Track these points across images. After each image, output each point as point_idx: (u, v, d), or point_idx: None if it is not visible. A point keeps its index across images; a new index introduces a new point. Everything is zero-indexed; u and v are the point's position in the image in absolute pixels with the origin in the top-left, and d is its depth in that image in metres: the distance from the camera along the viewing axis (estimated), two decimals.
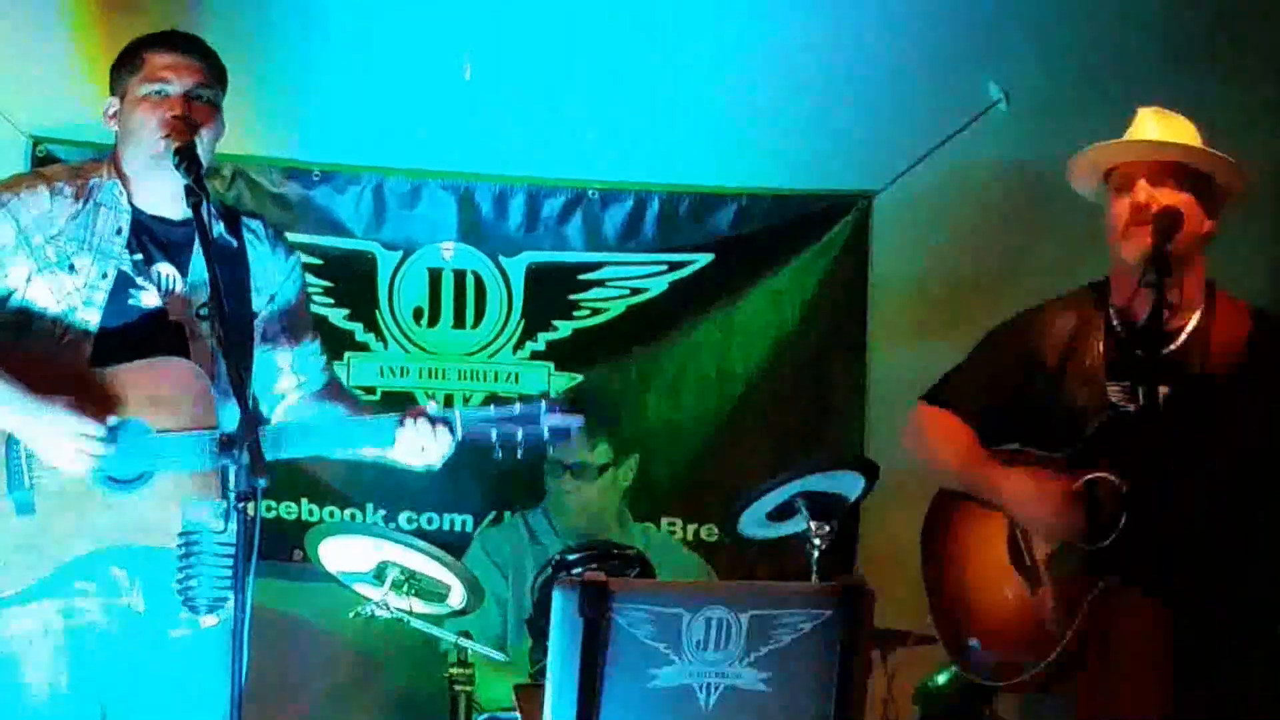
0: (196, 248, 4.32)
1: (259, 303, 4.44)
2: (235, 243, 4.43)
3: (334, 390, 4.59)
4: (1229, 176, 4.74)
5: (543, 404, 4.25)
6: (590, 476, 5.87)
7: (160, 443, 4.14)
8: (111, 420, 4.11)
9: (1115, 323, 4.82)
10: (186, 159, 4.21)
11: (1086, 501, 4.69)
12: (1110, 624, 4.57)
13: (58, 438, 4.09)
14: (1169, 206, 4.68)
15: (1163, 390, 4.61)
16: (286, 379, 4.51)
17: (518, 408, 4.24)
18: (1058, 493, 4.70)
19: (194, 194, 4.15)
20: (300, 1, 6.12)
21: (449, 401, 6.11)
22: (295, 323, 4.53)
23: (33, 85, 5.94)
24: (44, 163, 5.87)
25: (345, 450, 4.36)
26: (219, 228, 4.38)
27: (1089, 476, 4.70)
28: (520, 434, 4.23)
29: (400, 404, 5.90)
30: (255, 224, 4.52)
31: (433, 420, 4.21)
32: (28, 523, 4.14)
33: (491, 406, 4.27)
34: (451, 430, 4.23)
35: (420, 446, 4.22)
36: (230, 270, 4.34)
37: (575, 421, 4.28)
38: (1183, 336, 4.75)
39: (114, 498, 4.15)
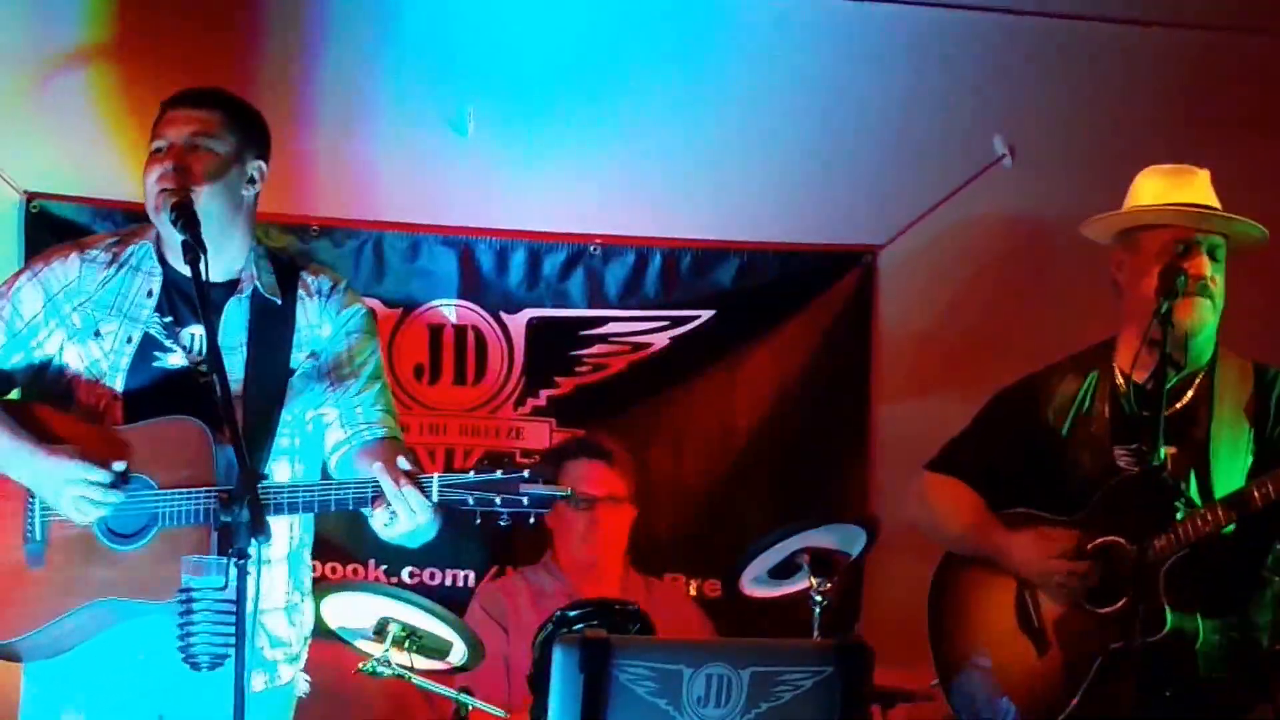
0: (234, 310, 4.37)
1: (297, 359, 4.43)
2: (279, 301, 4.43)
3: (378, 450, 4.44)
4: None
5: (525, 473, 4.13)
6: (585, 506, 5.87)
7: (159, 498, 4.19)
8: (118, 465, 4.17)
9: (1121, 385, 4.81)
10: (183, 215, 4.22)
11: (1098, 563, 4.70)
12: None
13: (61, 485, 4.17)
14: (1167, 266, 4.69)
15: (1170, 451, 4.61)
16: (335, 432, 4.49)
17: (500, 474, 4.14)
18: (1065, 550, 4.70)
19: (190, 250, 4.15)
20: (298, 56, 6.13)
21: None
22: (343, 376, 4.50)
23: (27, 140, 5.94)
24: (38, 219, 5.92)
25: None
26: (258, 285, 4.40)
27: (1100, 541, 4.70)
28: (498, 501, 4.13)
29: None
30: (314, 280, 4.52)
31: (402, 476, 4.12)
32: (36, 574, 4.24)
33: (471, 472, 4.17)
34: (426, 493, 4.14)
35: (390, 516, 4.15)
36: (271, 329, 4.38)
37: (559, 492, 4.19)
38: (1188, 395, 4.74)
39: (113, 552, 4.21)
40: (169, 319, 4.38)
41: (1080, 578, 4.70)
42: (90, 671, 4.30)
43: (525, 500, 4.12)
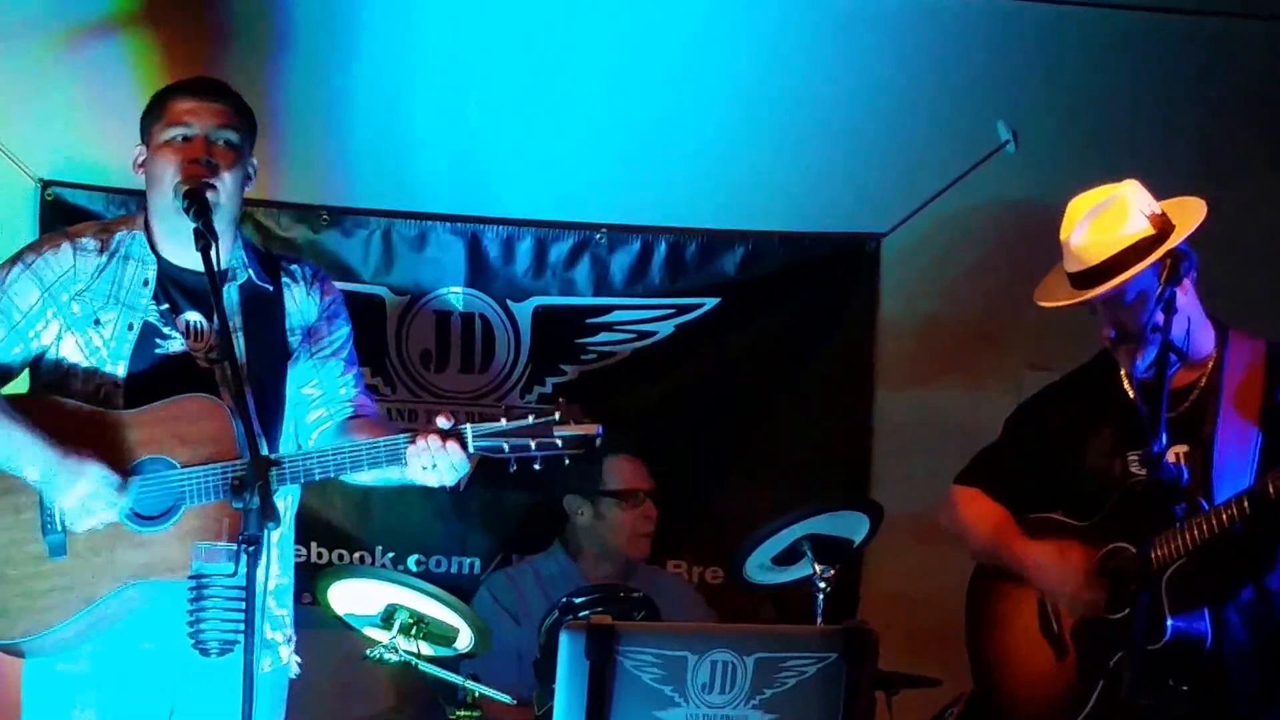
0: (227, 296, 4.40)
1: (293, 343, 4.50)
2: (271, 288, 4.50)
3: (362, 424, 4.58)
4: (1183, 232, 4.66)
5: (556, 414, 4.24)
6: (637, 501, 5.92)
7: (183, 477, 4.22)
8: (132, 481, 4.20)
9: (1128, 388, 4.81)
10: (195, 202, 4.26)
11: (1108, 575, 4.71)
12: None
13: (73, 486, 4.18)
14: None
15: (1182, 450, 4.60)
16: (316, 410, 4.57)
17: (531, 419, 4.24)
18: (1080, 569, 4.72)
19: (202, 238, 4.19)
20: (310, 47, 6.15)
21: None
22: (326, 358, 4.59)
23: (42, 129, 5.96)
24: (53, 207, 5.92)
25: (369, 472, 4.36)
26: (251, 273, 4.45)
27: (1109, 548, 4.72)
28: (533, 445, 4.23)
29: None
30: (296, 267, 4.60)
31: (443, 435, 4.22)
32: (60, 564, 4.24)
33: (503, 420, 4.26)
34: (463, 444, 4.23)
35: (431, 463, 4.23)
36: (264, 313, 4.44)
37: (590, 432, 4.26)
38: (1195, 393, 4.72)
39: (141, 535, 4.24)
40: (165, 307, 4.40)
41: (1088, 595, 4.73)
42: (98, 667, 4.31)
43: (559, 442, 4.23)
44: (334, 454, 4.30)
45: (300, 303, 4.55)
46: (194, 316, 4.42)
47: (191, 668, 4.25)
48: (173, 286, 4.42)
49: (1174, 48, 6.49)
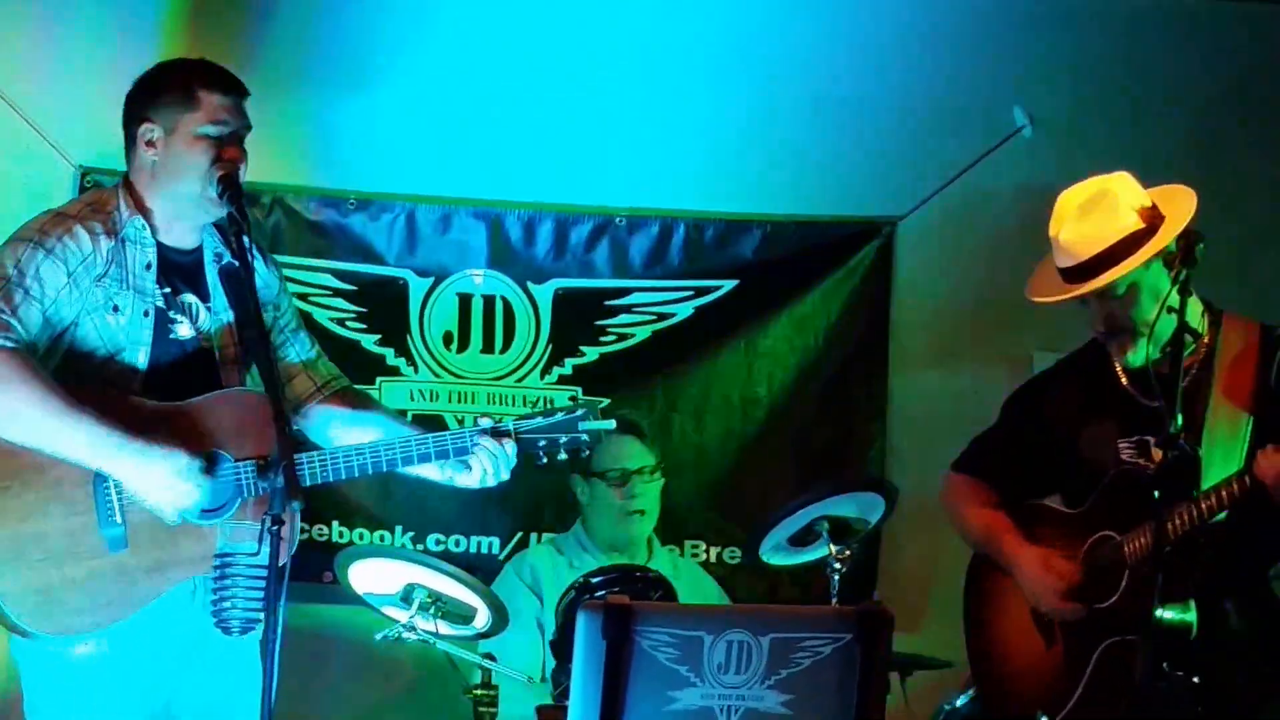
0: (210, 275, 4.46)
1: (268, 318, 4.52)
2: (238, 263, 4.42)
3: (350, 395, 4.68)
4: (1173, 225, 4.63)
5: (579, 411, 4.48)
6: (620, 479, 5.95)
7: (240, 470, 4.25)
8: (214, 470, 4.23)
9: (1121, 376, 4.82)
10: (231, 188, 4.31)
11: (1089, 579, 4.74)
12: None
13: (164, 480, 4.18)
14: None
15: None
16: (302, 382, 4.64)
17: (561, 415, 4.47)
18: (1061, 583, 4.75)
19: (236, 223, 4.24)
20: (337, 35, 6.19)
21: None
22: (296, 330, 4.66)
23: (82, 117, 5.98)
24: None
25: (407, 468, 4.47)
26: (228, 254, 4.46)
27: (1096, 536, 4.74)
28: (563, 440, 4.47)
29: (431, 429, 6.03)
30: (246, 241, 4.56)
31: (499, 434, 4.41)
32: (121, 558, 4.21)
33: (540, 416, 4.49)
34: (516, 442, 4.44)
35: (494, 464, 4.42)
36: (241, 290, 4.40)
37: (608, 425, 4.52)
38: (1188, 377, 4.70)
39: (202, 528, 4.24)
40: (167, 289, 4.42)
41: (1069, 611, 4.77)
42: (108, 648, 4.28)
43: (584, 436, 4.48)
44: (385, 448, 4.39)
45: (264, 279, 4.55)
46: (192, 298, 4.47)
47: (192, 646, 4.32)
48: (170, 269, 4.45)
49: (1189, 30, 6.50)
